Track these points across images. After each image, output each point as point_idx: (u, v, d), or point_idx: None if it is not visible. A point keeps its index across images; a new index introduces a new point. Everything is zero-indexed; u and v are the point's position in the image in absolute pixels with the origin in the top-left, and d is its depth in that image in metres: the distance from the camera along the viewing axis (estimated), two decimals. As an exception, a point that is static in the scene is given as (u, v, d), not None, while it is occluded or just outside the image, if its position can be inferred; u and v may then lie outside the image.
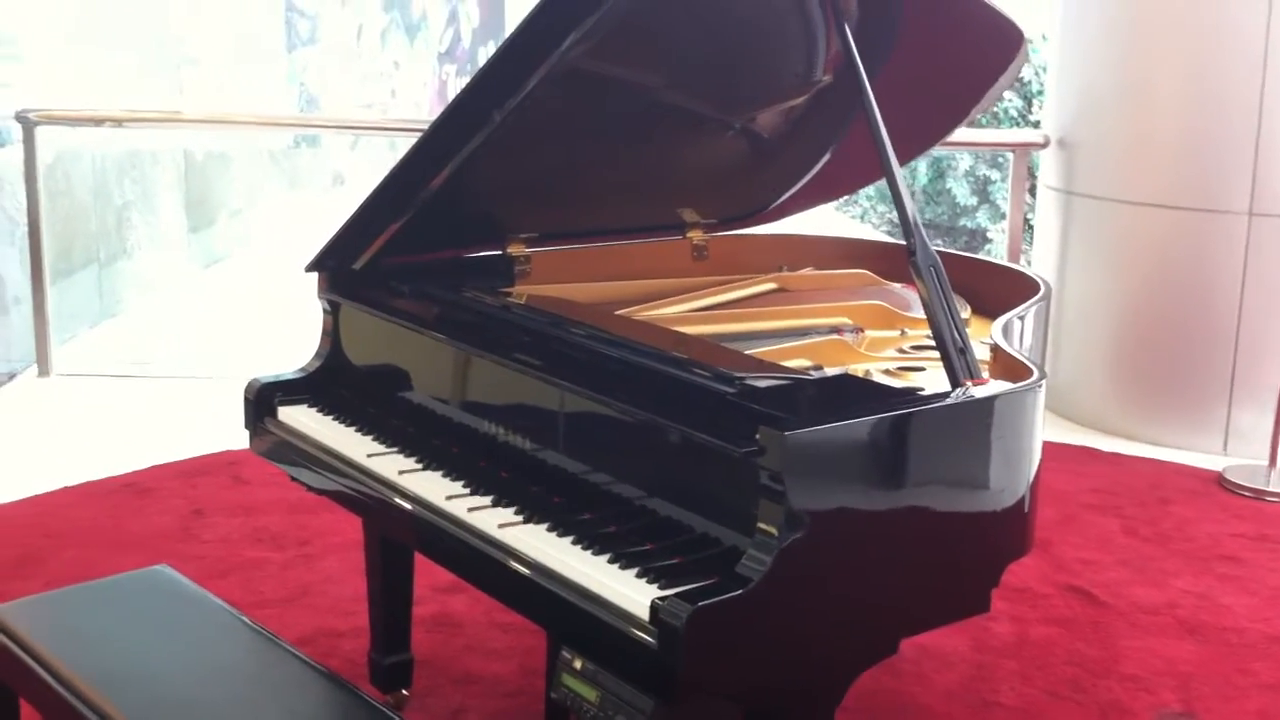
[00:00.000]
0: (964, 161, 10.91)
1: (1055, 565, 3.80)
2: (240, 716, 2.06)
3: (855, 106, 2.95)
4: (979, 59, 2.96)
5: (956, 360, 2.09)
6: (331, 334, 2.78)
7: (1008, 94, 9.08)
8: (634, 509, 2.09)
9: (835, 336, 2.73)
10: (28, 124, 5.50)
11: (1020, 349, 2.40)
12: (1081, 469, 4.68)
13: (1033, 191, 5.96)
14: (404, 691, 3.00)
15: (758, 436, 1.84)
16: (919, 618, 2.05)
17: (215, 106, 8.15)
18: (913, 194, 2.44)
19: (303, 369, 2.78)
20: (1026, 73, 9.31)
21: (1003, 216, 11.34)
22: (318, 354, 2.79)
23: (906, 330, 2.84)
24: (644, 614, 1.81)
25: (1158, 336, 5.03)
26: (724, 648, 1.79)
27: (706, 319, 2.82)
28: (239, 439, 4.69)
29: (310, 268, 2.76)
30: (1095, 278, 5.22)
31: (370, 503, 2.38)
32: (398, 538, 2.48)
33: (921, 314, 2.95)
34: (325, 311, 2.78)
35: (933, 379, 2.48)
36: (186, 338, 6.79)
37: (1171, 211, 4.93)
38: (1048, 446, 2.25)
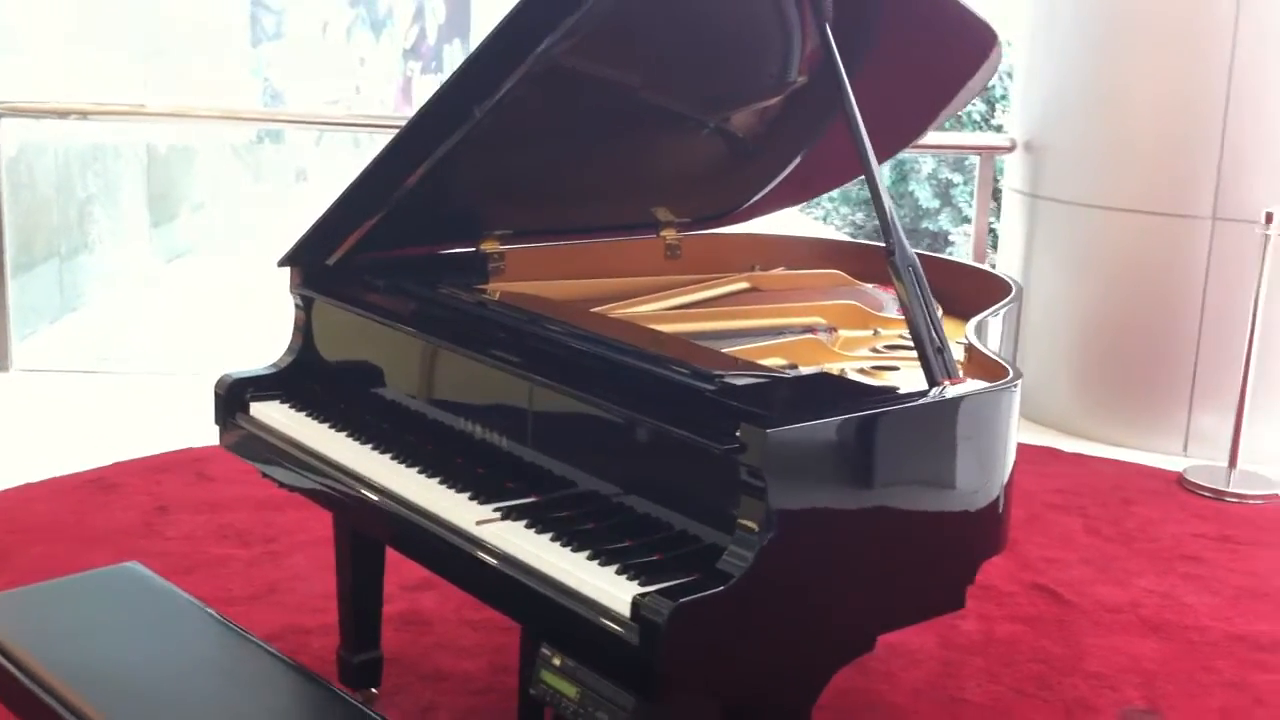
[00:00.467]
0: (926, 165, 10.98)
1: (1020, 564, 3.83)
2: (215, 712, 2.05)
3: (830, 108, 2.98)
4: (952, 59, 2.98)
5: (934, 359, 2.11)
6: (304, 330, 2.77)
7: (972, 97, 9.13)
8: (611, 506, 2.09)
9: (809, 336, 2.74)
10: (-9, 117, 5.45)
11: (993, 350, 2.42)
12: (1045, 469, 4.72)
13: (995, 195, 6.01)
14: (373, 690, 2.99)
15: (739, 434, 1.85)
16: (896, 614, 2.06)
17: (179, 100, 8.08)
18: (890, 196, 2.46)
19: (274, 365, 2.77)
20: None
21: (965, 220, 11.46)
22: (289, 349, 2.78)
23: (879, 330, 2.85)
24: (625, 610, 1.82)
25: (1121, 339, 5.08)
26: (705, 644, 1.79)
27: (681, 317, 2.83)
28: (203, 435, 4.70)
29: (283, 263, 2.75)
30: (1060, 281, 5.27)
31: (345, 500, 2.38)
32: (374, 535, 2.48)
33: (894, 314, 2.98)
34: (298, 307, 2.77)
35: (907, 378, 2.50)
36: (149, 333, 6.74)
37: (1136, 215, 4.98)
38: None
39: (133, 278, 7.77)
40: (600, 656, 1.86)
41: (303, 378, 2.73)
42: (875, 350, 2.72)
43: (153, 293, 7.81)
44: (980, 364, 2.29)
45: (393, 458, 2.35)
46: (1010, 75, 6.17)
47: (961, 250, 10.21)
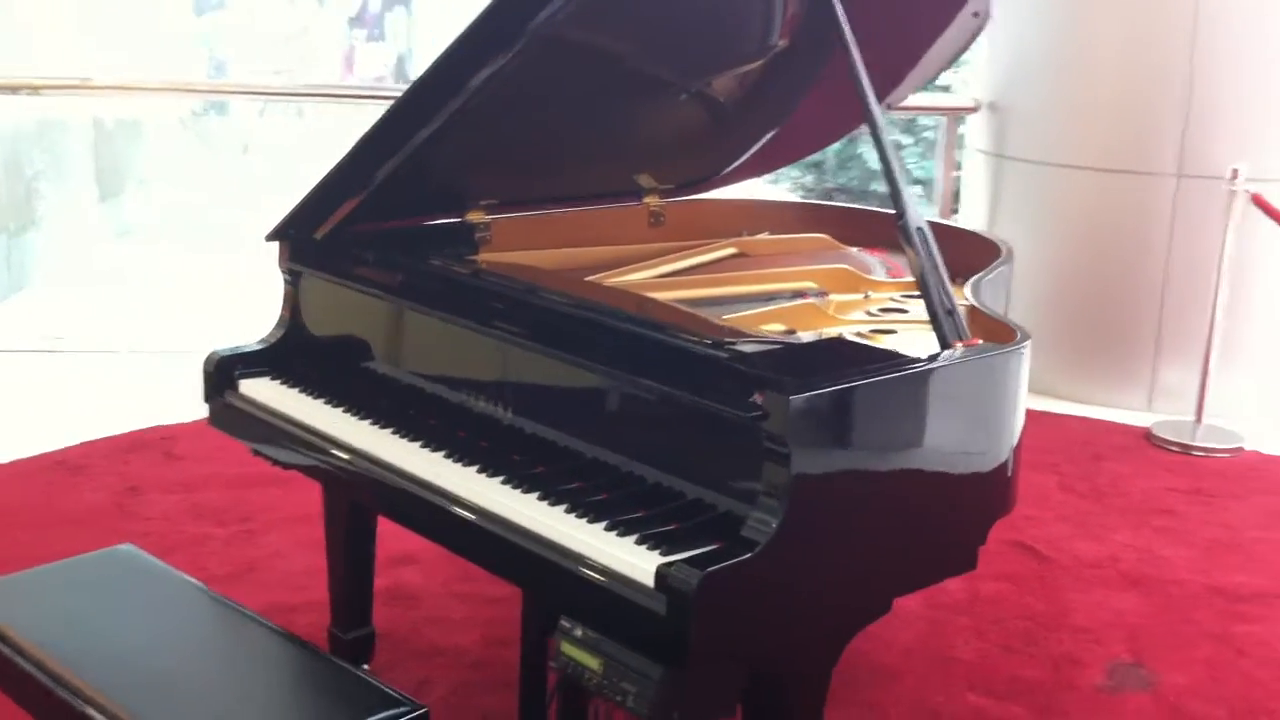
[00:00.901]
0: (874, 126, 10.96)
1: (1000, 522, 3.85)
2: (225, 688, 2.04)
3: (809, 71, 2.98)
4: (925, 14, 2.98)
5: (945, 322, 2.11)
6: (292, 305, 2.73)
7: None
8: (621, 476, 2.08)
9: (801, 301, 2.74)
10: (-63, 92, 5.32)
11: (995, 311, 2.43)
12: (1015, 428, 4.76)
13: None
14: (365, 666, 2.96)
15: (760, 400, 1.84)
16: (913, 576, 2.07)
17: (126, 73, 7.92)
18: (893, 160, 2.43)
19: (263, 341, 2.73)
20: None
21: (914, 181, 11.52)
22: (278, 325, 2.74)
23: (870, 293, 2.85)
24: (649, 581, 1.81)
25: (1086, 297, 5.12)
26: (733, 611, 1.79)
27: (672, 284, 2.81)
28: (169, 413, 4.64)
29: (271, 237, 2.71)
30: (1024, 240, 5.27)
31: (346, 476, 2.35)
32: (379, 511, 2.45)
33: (883, 277, 2.99)
34: (286, 282, 2.73)
35: (904, 341, 2.50)
36: (100, 310, 6.62)
37: (1101, 174, 5.02)
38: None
39: (81, 254, 7.63)
40: (624, 627, 1.85)
41: (291, 353, 2.69)
42: (869, 314, 2.72)
43: (102, 269, 7.68)
44: (983, 325, 2.29)
45: (394, 432, 2.32)
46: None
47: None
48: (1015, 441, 2.17)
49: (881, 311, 2.74)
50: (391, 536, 2.91)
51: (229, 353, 2.68)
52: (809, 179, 12.09)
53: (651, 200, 3.15)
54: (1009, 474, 2.17)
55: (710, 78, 2.93)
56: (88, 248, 7.79)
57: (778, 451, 1.82)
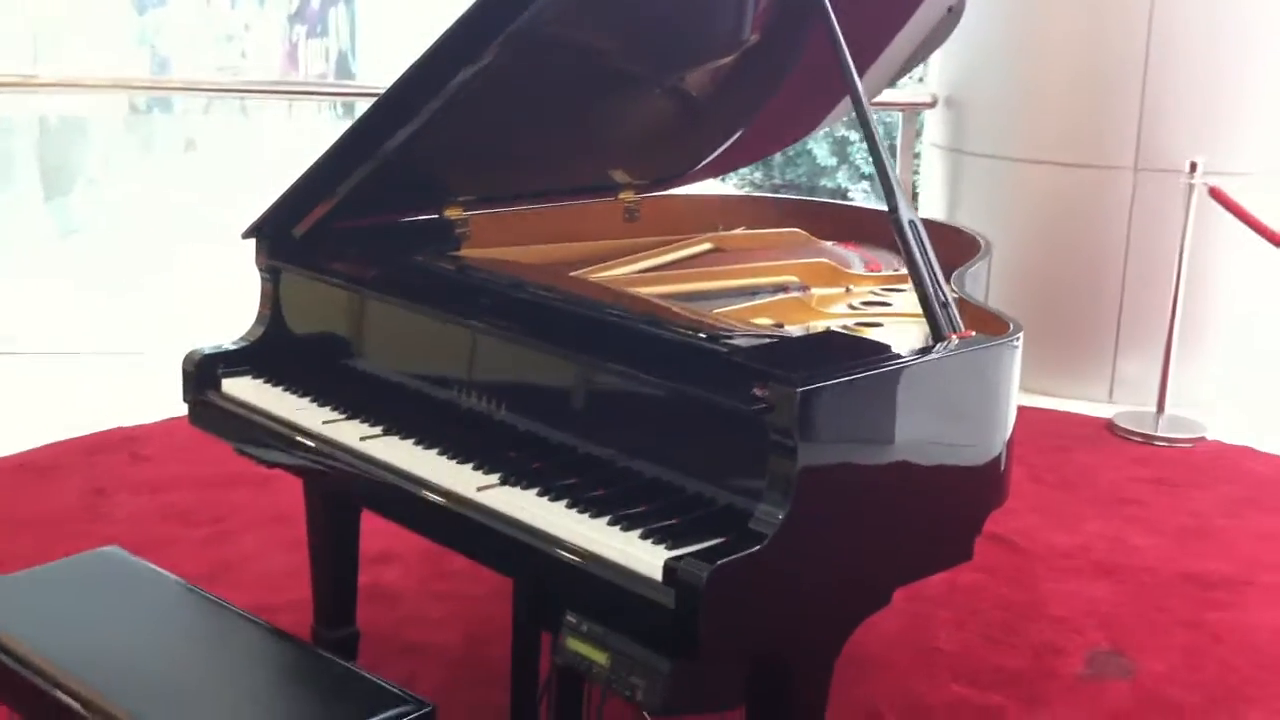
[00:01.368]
0: (822, 122, 11.01)
1: (972, 514, 3.89)
2: (228, 689, 2.02)
3: (781, 67, 2.99)
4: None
5: (940, 314, 2.12)
6: (272, 303, 2.70)
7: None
8: (618, 471, 2.07)
9: (784, 295, 2.74)
10: (-116, 89, 5.22)
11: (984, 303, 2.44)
12: (980, 420, 4.80)
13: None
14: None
15: (764, 393, 1.84)
16: (913, 567, 2.09)
17: (70, 70, 7.82)
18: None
19: (243, 339, 2.69)
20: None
21: (864, 176, 11.59)
22: (258, 322, 2.71)
23: (851, 287, 2.87)
24: (656, 575, 1.80)
25: (1046, 290, 5.17)
26: (741, 605, 1.79)
27: (654, 280, 2.81)
28: (131, 414, 4.59)
29: (248, 234, 2.68)
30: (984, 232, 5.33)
31: (335, 475, 2.33)
32: (372, 509, 2.42)
33: (862, 270, 3.00)
34: (265, 279, 2.70)
35: (890, 334, 2.52)
36: (51, 311, 6.52)
37: (1059, 168, 5.07)
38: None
39: (28, 254, 7.52)
40: (631, 621, 1.85)
41: (273, 351, 2.66)
42: (852, 307, 2.73)
43: (50, 269, 7.57)
44: (974, 317, 2.30)
45: (386, 430, 2.30)
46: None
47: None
48: (1009, 433, 2.19)
49: (864, 305, 2.75)
50: (368, 535, 2.89)
51: (210, 351, 2.64)
52: (758, 175, 12.13)
53: (626, 196, 3.15)
54: (1003, 466, 2.19)
55: (683, 73, 2.93)
56: (35, 247, 7.68)
57: (784, 444, 1.82)
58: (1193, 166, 4.61)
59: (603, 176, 3.10)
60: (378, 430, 2.31)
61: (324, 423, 2.37)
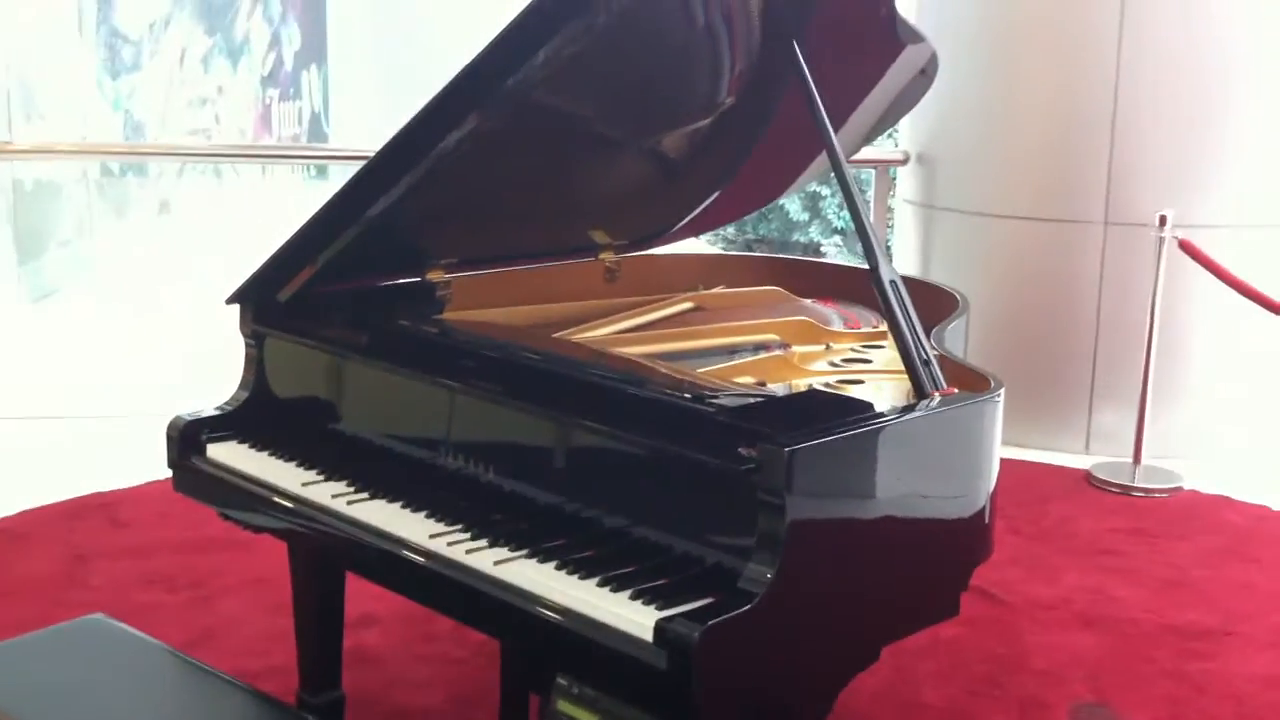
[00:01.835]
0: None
1: (952, 568, 3.91)
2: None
3: (756, 128, 3.04)
4: (864, 67, 3.05)
5: (923, 372, 2.15)
6: (256, 367, 2.70)
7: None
8: (606, 531, 2.08)
9: (766, 354, 2.77)
10: None
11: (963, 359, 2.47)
12: (958, 473, 4.82)
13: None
14: (335, 731, 2.93)
15: (752, 452, 1.86)
16: (901, 624, 2.10)
17: (44, 136, 7.84)
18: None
19: (227, 404, 2.70)
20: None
21: (835, 230, 11.69)
22: (241, 387, 2.72)
23: (831, 344, 2.90)
24: (647, 636, 1.81)
25: (1021, 343, 5.22)
26: (732, 665, 1.80)
27: (636, 340, 2.83)
28: (109, 479, 4.57)
29: (232, 300, 2.69)
30: (958, 288, 5.39)
31: (321, 539, 2.33)
32: (358, 573, 2.42)
33: (841, 328, 3.03)
34: (249, 345, 2.71)
35: (871, 392, 2.55)
36: (25, 375, 6.49)
37: (1030, 223, 5.14)
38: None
39: (1, 317, 7.50)
40: (623, 683, 1.86)
41: (258, 416, 2.67)
42: (833, 364, 2.76)
43: (22, 334, 7.54)
44: (954, 374, 2.33)
45: (373, 494, 2.31)
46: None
47: (835, 260, 10.38)
48: (992, 487, 2.21)
49: (845, 362, 2.78)
50: (350, 598, 2.89)
51: (193, 417, 2.65)
52: (730, 230, 12.20)
53: (606, 256, 3.17)
54: (987, 520, 2.21)
55: (661, 135, 2.97)
56: (8, 310, 7.65)
57: (772, 503, 1.84)
58: (1162, 220, 4.67)
59: (583, 237, 3.13)
60: (364, 494, 2.32)
61: (309, 485, 2.37)
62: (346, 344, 2.54)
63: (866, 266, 2.37)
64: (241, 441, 2.61)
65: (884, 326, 2.99)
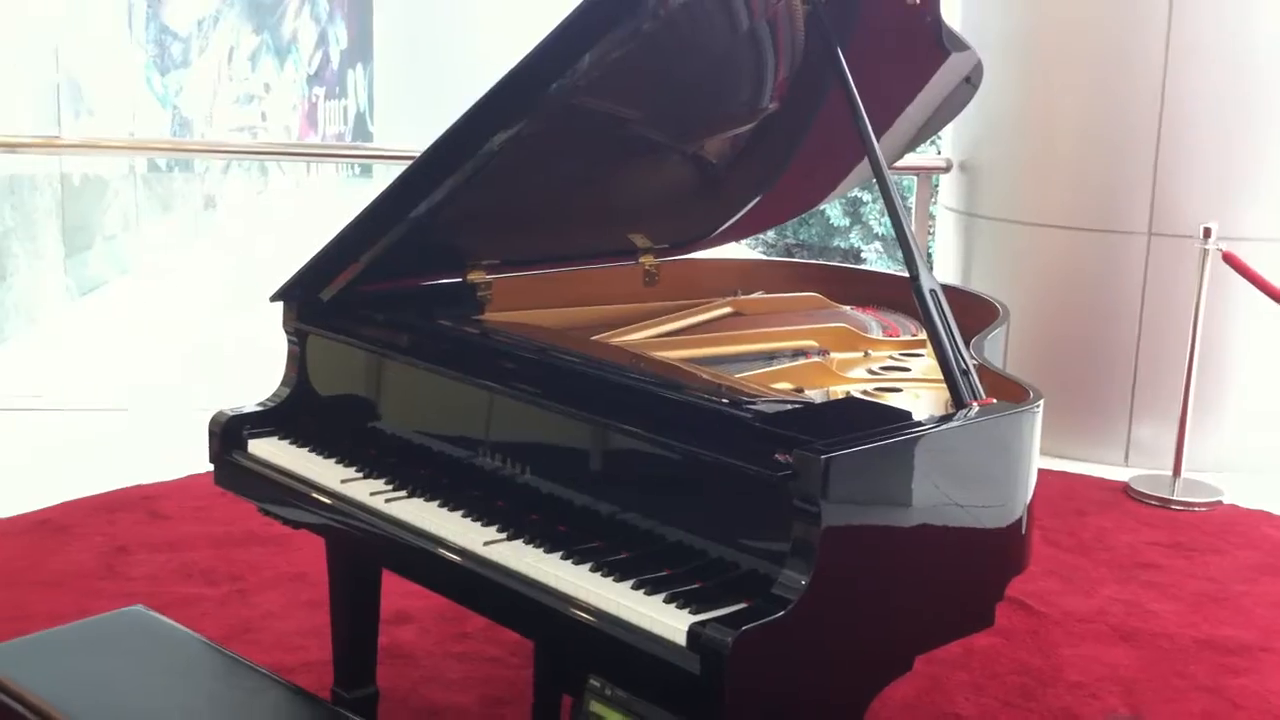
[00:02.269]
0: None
1: (988, 578, 3.89)
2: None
3: (798, 135, 3.04)
4: (907, 75, 3.04)
5: (961, 382, 2.15)
6: (298, 364, 2.73)
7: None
8: (642, 534, 2.09)
9: (804, 360, 2.77)
10: (-88, 150, 5.30)
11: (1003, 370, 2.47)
12: (995, 483, 4.81)
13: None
14: (371, 727, 2.95)
15: (789, 459, 1.86)
16: (935, 634, 2.10)
17: (92, 131, 7.93)
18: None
19: (269, 400, 2.73)
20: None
21: (876, 237, 11.66)
22: (284, 384, 2.74)
23: (870, 352, 2.89)
24: (681, 640, 1.82)
25: (1061, 353, 5.19)
26: (765, 671, 1.80)
27: (674, 344, 2.84)
28: (150, 472, 4.62)
29: (276, 297, 2.72)
30: (998, 297, 5.37)
31: (359, 536, 2.35)
32: (395, 570, 2.44)
33: (880, 335, 3.03)
34: (292, 342, 2.74)
35: (909, 400, 2.55)
36: (71, 368, 6.58)
37: (1073, 232, 5.11)
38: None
39: (49, 312, 7.59)
40: (656, 686, 1.87)
41: (299, 413, 2.70)
42: (871, 372, 2.76)
43: (70, 326, 7.64)
44: (993, 384, 2.33)
45: (410, 492, 2.33)
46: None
47: (876, 266, 10.37)
48: (1030, 498, 2.21)
49: (883, 369, 2.77)
50: (385, 595, 2.91)
51: (235, 413, 2.68)
52: (770, 234, 12.20)
53: (646, 260, 3.18)
54: (1024, 531, 2.21)
55: (703, 140, 2.98)
56: (55, 305, 7.75)
57: (808, 510, 1.84)
58: (1206, 232, 4.64)
59: (623, 241, 3.14)
60: (402, 492, 2.33)
61: (348, 483, 2.39)
62: (387, 343, 2.56)
63: (906, 274, 2.36)
64: (282, 438, 2.64)
65: (923, 334, 2.99)
